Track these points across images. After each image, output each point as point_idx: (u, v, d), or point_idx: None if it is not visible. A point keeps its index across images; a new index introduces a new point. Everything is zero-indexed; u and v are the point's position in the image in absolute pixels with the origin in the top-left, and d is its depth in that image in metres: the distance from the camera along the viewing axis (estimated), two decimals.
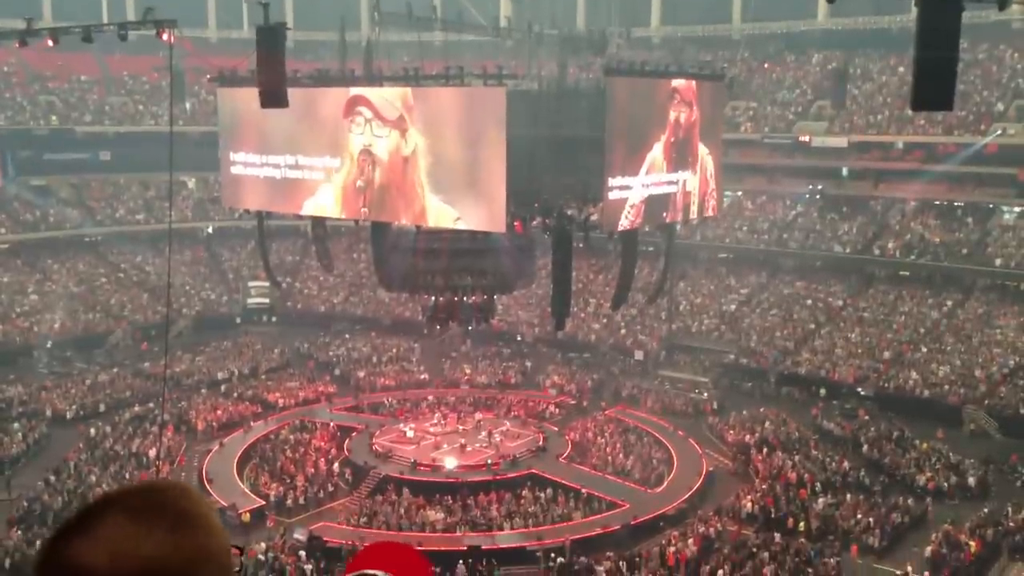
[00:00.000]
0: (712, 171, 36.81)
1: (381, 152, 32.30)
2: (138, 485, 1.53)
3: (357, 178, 33.04)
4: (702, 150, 35.59)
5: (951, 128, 50.27)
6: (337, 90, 33.84)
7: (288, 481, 34.48)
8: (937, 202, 51.93)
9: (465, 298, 37.02)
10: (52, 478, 33.51)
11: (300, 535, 29.74)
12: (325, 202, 34.49)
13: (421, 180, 31.33)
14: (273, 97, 23.49)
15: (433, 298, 37.59)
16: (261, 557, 27.97)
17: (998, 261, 47.41)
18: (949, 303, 48.22)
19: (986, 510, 30.86)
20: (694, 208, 36.05)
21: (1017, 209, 49.47)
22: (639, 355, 49.37)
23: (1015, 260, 46.98)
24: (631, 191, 31.87)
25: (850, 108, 53.73)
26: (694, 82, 34.94)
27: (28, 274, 55.51)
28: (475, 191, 30.63)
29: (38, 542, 26.66)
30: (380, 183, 32.65)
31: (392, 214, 33.59)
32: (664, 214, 34.61)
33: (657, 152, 32.80)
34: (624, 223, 32.35)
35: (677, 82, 34.18)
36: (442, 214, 31.25)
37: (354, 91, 33.02)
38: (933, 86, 16.19)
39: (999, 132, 48.81)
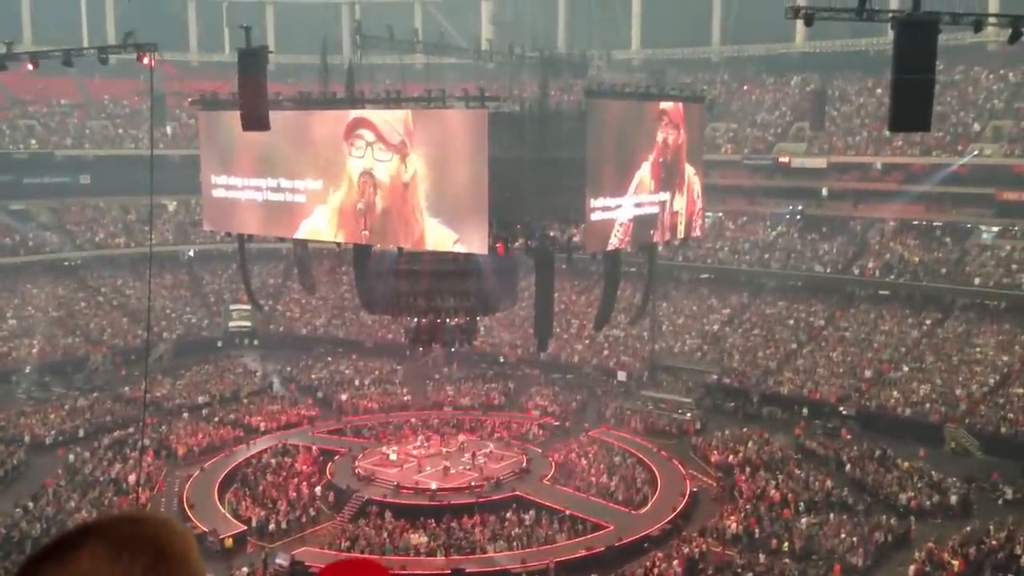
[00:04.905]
0: (699, 192, 37.05)
1: (383, 176, 31.57)
2: (120, 515, 1.50)
3: (357, 200, 32.21)
4: (689, 171, 35.78)
5: (929, 149, 50.80)
6: (331, 113, 33.49)
7: (270, 505, 34.19)
8: (916, 222, 52.39)
9: (448, 320, 36.93)
10: (30, 505, 33.11)
11: (282, 560, 29.47)
12: (320, 225, 33.71)
13: (420, 204, 30.83)
14: (255, 120, 23.50)
15: (415, 320, 37.49)
16: None
17: (977, 280, 47.77)
18: (929, 322, 48.53)
19: (969, 529, 30.94)
20: (681, 228, 36.21)
21: (995, 229, 49.96)
22: (622, 376, 49.40)
23: (993, 279, 47.34)
24: (619, 211, 31.90)
25: (829, 129, 54.26)
26: (682, 104, 35.17)
27: (7, 298, 54.99)
28: (466, 212, 30.49)
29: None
30: (382, 207, 31.92)
31: (392, 239, 32.77)
32: (652, 233, 34.72)
33: (645, 171, 32.89)
34: (613, 242, 32.39)
35: (665, 104, 34.37)
36: (441, 237, 30.74)
37: (356, 113, 32.36)
38: (910, 107, 16.40)
39: (976, 152, 49.43)
